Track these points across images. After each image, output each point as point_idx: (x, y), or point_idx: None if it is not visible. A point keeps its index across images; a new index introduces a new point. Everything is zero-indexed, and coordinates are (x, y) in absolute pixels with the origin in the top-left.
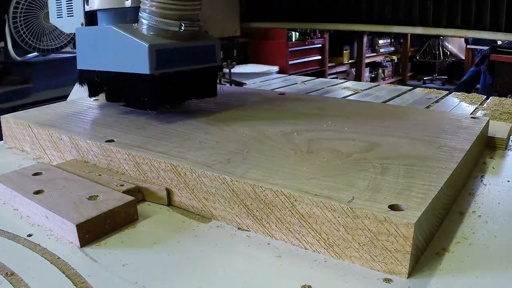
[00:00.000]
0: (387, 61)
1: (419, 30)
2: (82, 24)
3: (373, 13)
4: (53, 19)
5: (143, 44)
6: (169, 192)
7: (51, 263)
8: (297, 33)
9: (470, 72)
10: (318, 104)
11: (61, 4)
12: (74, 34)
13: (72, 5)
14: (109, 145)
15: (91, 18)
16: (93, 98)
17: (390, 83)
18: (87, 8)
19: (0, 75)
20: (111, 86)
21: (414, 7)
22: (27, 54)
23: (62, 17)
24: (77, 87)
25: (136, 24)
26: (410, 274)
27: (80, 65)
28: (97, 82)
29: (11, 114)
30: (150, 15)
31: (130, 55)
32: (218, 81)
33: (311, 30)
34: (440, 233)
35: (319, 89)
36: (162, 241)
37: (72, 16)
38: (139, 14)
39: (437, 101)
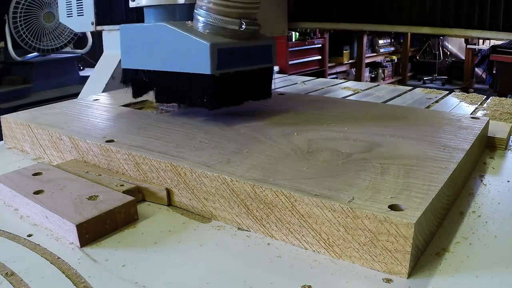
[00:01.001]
0: (387, 61)
1: (425, 30)
2: (92, 24)
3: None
4: (63, 18)
5: (204, 43)
6: (169, 192)
7: (51, 263)
8: (297, 33)
9: None
10: (318, 104)
11: (71, 3)
12: (75, 34)
13: (82, 4)
14: (109, 145)
15: (138, 14)
16: (137, 99)
17: (390, 83)
18: (133, 4)
19: (0, 75)
20: (163, 86)
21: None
22: (27, 54)
23: (72, 16)
24: (89, 84)
25: (189, 21)
26: (410, 274)
27: (125, 64)
28: (145, 82)
29: (11, 114)
30: (208, 12)
31: (188, 54)
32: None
33: (310, 30)
34: (440, 233)
35: (319, 89)
36: (162, 241)
37: (83, 15)
38: (195, 11)
39: (437, 101)
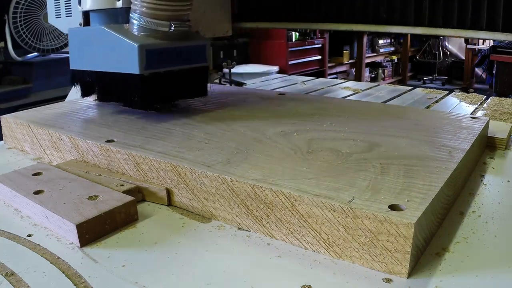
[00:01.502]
0: (387, 61)
1: (418, 30)
2: (80, 24)
3: (370, 13)
4: (52, 19)
5: (133, 44)
6: (169, 192)
7: (51, 263)
8: (297, 33)
9: None
10: (318, 104)
11: (59, 5)
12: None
13: (70, 5)
14: (109, 145)
15: (86, 18)
16: (90, 98)
17: (390, 83)
18: (80, 9)
19: (0, 75)
20: (103, 86)
21: (410, 7)
22: (27, 54)
23: (60, 17)
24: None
25: (127, 24)
26: (410, 274)
27: (73, 65)
28: (90, 82)
29: (11, 114)
30: (141, 16)
31: (121, 55)
32: (210, 79)
33: (310, 30)
34: (440, 233)
35: (319, 89)
36: (162, 241)
37: (71, 16)
38: (130, 14)
39: (437, 101)
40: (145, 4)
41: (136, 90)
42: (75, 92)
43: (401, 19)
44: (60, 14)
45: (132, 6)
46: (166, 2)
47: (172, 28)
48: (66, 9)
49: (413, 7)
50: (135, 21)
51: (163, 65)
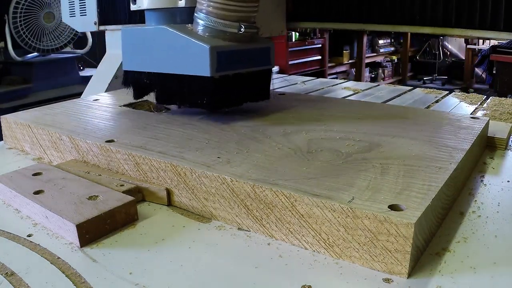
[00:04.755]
0: (387, 61)
1: (427, 30)
2: (95, 23)
3: (414, 13)
4: (66, 18)
5: (204, 45)
6: (169, 192)
7: (51, 263)
8: (297, 33)
9: None
10: (318, 104)
11: (74, 3)
12: (75, 34)
13: (85, 4)
14: (109, 145)
15: (131, 17)
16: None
17: (390, 83)
18: (134, 7)
19: (0, 75)
20: (164, 88)
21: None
22: (27, 54)
23: (74, 16)
24: (91, 84)
25: (190, 24)
26: (410, 274)
27: (127, 66)
28: (146, 84)
29: (11, 114)
30: (208, 16)
31: (189, 56)
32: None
33: (311, 30)
34: (440, 233)
35: (319, 89)
36: (162, 241)
37: (85, 15)
38: (195, 14)
39: (437, 101)
40: (212, 3)
41: (204, 92)
42: (91, 89)
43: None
44: (74, 13)
45: (197, 5)
46: (235, 2)
47: (242, 30)
48: (80, 8)
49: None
50: (200, 21)
51: (232, 68)
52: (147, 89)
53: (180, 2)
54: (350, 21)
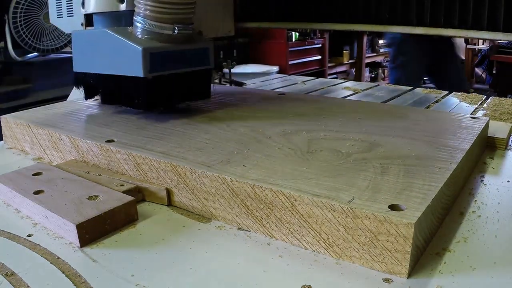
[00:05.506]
0: (387, 61)
1: (418, 30)
2: (82, 25)
3: (372, 13)
4: (53, 19)
5: (137, 47)
6: (169, 192)
7: (51, 263)
8: (297, 33)
9: None
10: (318, 104)
11: (61, 4)
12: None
13: (72, 5)
14: (109, 145)
15: (89, 21)
16: (90, 99)
17: (390, 83)
18: (83, 11)
19: (0, 75)
20: (107, 89)
21: (412, 6)
22: (27, 54)
23: (62, 17)
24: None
25: (130, 27)
26: (410, 274)
27: (76, 68)
28: (93, 84)
29: (11, 114)
30: (144, 19)
31: (125, 58)
32: (212, 82)
33: (311, 30)
34: (440, 233)
35: (319, 89)
36: (162, 241)
37: (72, 16)
38: (134, 17)
39: (437, 101)
40: (148, 7)
41: (139, 92)
42: (77, 93)
43: (402, 19)
44: (61, 14)
45: (135, 9)
46: (169, 5)
47: (176, 32)
48: (68, 9)
49: (415, 7)
50: (138, 24)
51: (166, 68)
52: (95, 90)
53: (121, 5)
54: (305, 20)
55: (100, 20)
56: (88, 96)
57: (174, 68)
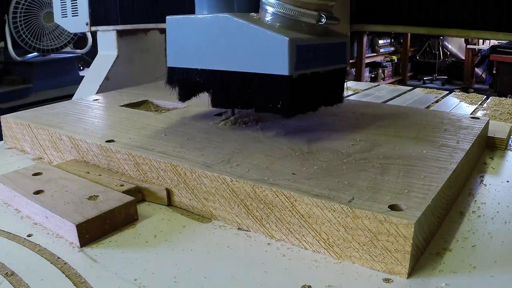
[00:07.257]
0: (387, 61)
1: (422, 31)
2: (87, 24)
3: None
4: (58, 19)
5: (282, 37)
6: (169, 192)
7: (51, 263)
8: None
9: None
10: None
11: (66, 4)
12: (75, 34)
13: (77, 5)
14: (109, 145)
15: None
16: (183, 102)
17: (390, 83)
18: None
19: (0, 75)
20: (222, 88)
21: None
22: (27, 54)
23: (66, 16)
24: (83, 86)
25: (254, 13)
26: (410, 274)
27: (173, 62)
28: (198, 83)
29: (11, 114)
30: (280, 2)
31: (259, 51)
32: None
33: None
34: (440, 233)
35: None
36: (162, 241)
37: (77, 15)
38: (262, 0)
39: (437, 101)
40: None
41: (279, 95)
42: (82, 90)
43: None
44: (66, 14)
45: None
46: None
47: (323, 21)
48: (72, 8)
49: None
50: (270, 8)
51: (310, 65)
52: (198, 89)
53: None
54: (408, 24)
55: (206, 4)
56: (184, 97)
57: (317, 65)
